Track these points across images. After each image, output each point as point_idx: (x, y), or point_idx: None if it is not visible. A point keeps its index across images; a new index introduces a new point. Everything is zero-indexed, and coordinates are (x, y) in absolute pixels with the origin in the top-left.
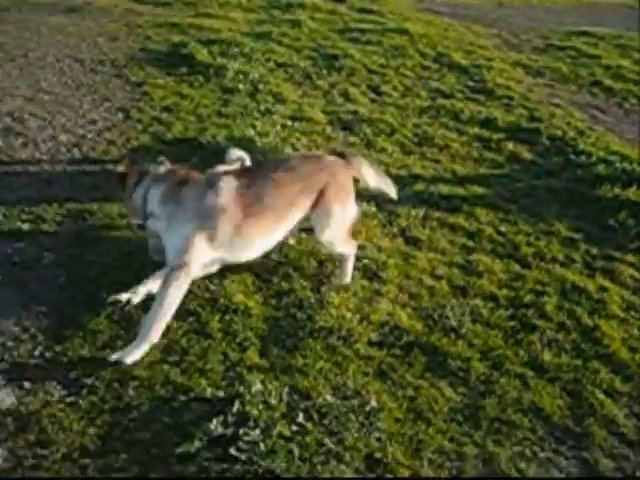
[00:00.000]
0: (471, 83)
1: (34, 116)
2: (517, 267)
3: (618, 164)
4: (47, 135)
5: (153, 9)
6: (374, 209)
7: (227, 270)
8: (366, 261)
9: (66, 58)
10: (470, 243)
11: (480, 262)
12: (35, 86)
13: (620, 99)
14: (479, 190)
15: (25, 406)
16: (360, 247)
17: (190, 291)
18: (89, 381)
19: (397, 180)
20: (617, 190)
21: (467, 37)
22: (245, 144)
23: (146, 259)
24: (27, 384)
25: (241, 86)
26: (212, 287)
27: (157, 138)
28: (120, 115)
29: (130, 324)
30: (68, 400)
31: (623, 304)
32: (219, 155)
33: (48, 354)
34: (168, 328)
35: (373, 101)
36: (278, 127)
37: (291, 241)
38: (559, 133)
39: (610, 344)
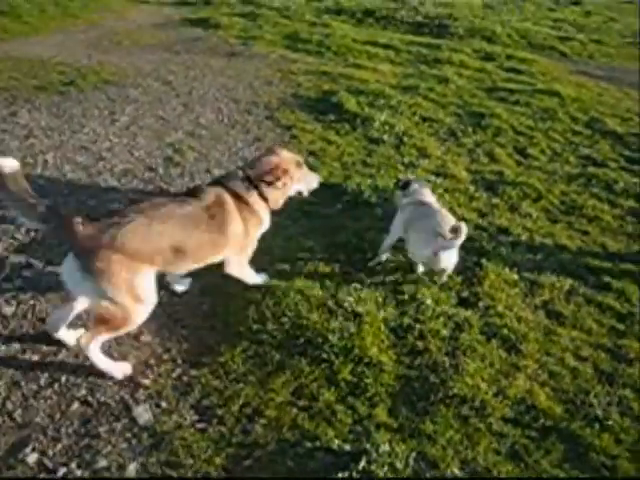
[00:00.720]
0: (627, 152)
1: (192, 149)
2: None
3: None
4: (202, 168)
5: (305, 57)
6: (515, 277)
7: (363, 322)
8: (505, 331)
9: (224, 98)
10: (620, 326)
11: (631, 348)
12: (195, 122)
13: None
14: (632, 268)
15: (160, 425)
16: (499, 315)
17: (325, 338)
18: (220, 412)
19: (541, 249)
20: None
21: (624, 103)
22: (388, 195)
23: (284, 298)
24: (164, 403)
25: (386, 137)
26: (346, 335)
27: None
28: None
29: (263, 361)
30: (199, 426)
31: None
32: (361, 203)
33: (185, 378)
34: (301, 371)
35: (519, 163)
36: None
37: (428, 301)
38: None
39: None
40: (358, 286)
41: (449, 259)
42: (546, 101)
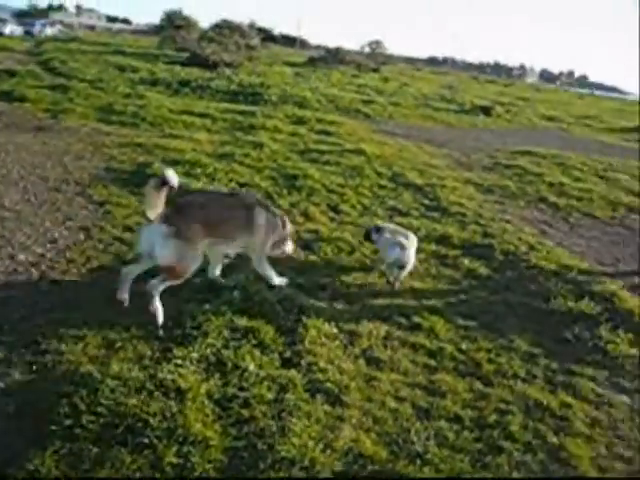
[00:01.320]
0: (426, 201)
1: None
2: (480, 385)
3: (569, 277)
4: (5, 254)
5: (119, 129)
6: (335, 330)
7: (186, 399)
8: (328, 385)
9: (30, 176)
10: (432, 362)
11: (443, 382)
12: None
13: (565, 214)
14: (439, 307)
15: None
16: (322, 370)
17: (146, 422)
18: None
19: (357, 299)
20: (570, 303)
21: (420, 157)
22: (206, 264)
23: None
24: None
25: None
26: (168, 416)
27: (118, 258)
28: (81, 234)
29: (78, 458)
30: None
31: (587, 420)
32: None
33: None
34: (122, 462)
35: (332, 220)
36: None
37: (251, 367)
38: (512, 248)
39: (578, 465)
40: (179, 362)
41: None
42: (354, 159)
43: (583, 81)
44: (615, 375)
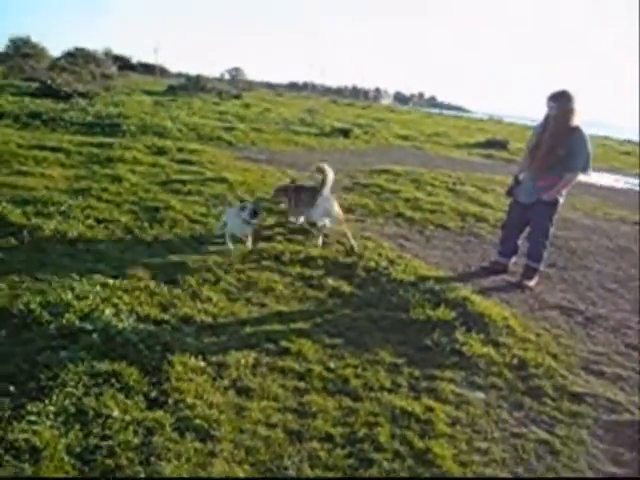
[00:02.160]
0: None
1: None
2: (349, 401)
3: (427, 287)
4: None
5: None
6: (202, 363)
7: (42, 457)
8: (198, 421)
9: None
10: (301, 384)
11: (313, 403)
12: None
13: (421, 227)
14: (306, 329)
15: None
16: (190, 407)
17: None
18: None
19: (224, 329)
20: (429, 312)
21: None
22: (61, 309)
23: None
24: None
25: (59, 247)
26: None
27: None
28: None
29: None
30: None
31: (449, 420)
32: (31, 323)
33: None
34: None
35: (196, 250)
36: (98, 287)
37: (115, 413)
38: (373, 264)
39: (442, 464)
40: (34, 418)
41: None
42: (216, 187)
43: (433, 101)
44: (471, 374)
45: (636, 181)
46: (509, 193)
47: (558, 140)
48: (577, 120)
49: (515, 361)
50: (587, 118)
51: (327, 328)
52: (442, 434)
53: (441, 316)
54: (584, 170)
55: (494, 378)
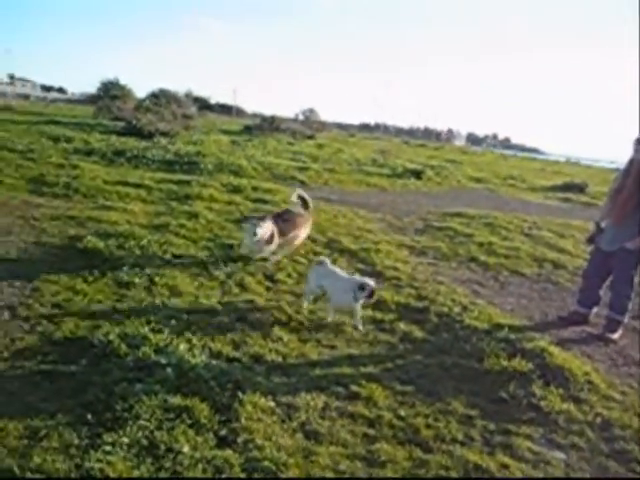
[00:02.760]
0: (361, 266)
1: None
2: (419, 452)
3: (501, 336)
4: None
5: (51, 201)
6: (272, 403)
7: None
8: (266, 463)
9: None
10: (371, 431)
11: (382, 451)
12: None
13: (495, 272)
14: (376, 374)
15: None
16: (258, 448)
17: None
18: None
19: (294, 370)
20: (504, 362)
21: (355, 222)
22: (138, 341)
23: None
24: None
25: (137, 280)
26: None
27: (45, 338)
28: (6, 313)
29: None
30: None
31: None
32: (110, 354)
33: None
34: None
35: (268, 289)
36: (173, 321)
37: (185, 449)
38: (445, 310)
39: None
40: (108, 448)
41: None
42: None
43: (507, 143)
44: (550, 431)
45: None
46: (590, 240)
47: None
48: None
49: (598, 420)
50: None
51: (398, 374)
52: None
53: (517, 367)
54: None
55: (575, 437)
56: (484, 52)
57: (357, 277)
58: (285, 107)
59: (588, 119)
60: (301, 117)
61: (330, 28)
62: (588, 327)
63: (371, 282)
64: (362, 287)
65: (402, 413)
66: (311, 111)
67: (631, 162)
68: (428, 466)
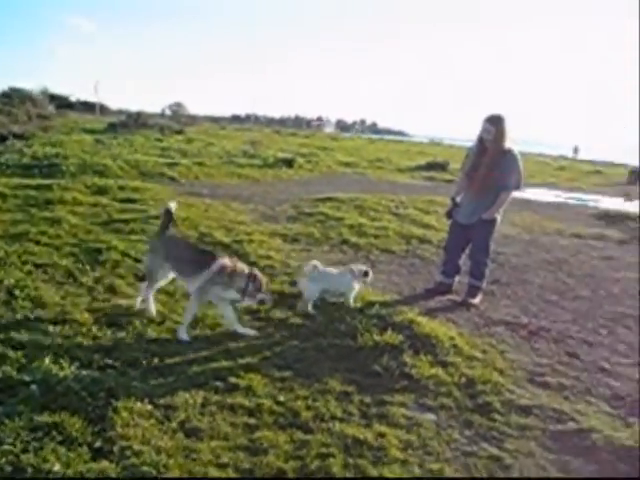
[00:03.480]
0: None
1: None
2: (300, 434)
3: (374, 312)
4: None
5: None
6: (149, 407)
7: None
8: (145, 468)
9: None
10: (252, 420)
11: (263, 438)
12: None
13: (366, 252)
14: (254, 363)
15: None
16: (136, 454)
17: None
18: None
19: (171, 370)
20: (376, 337)
21: (227, 215)
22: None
23: None
24: None
25: None
26: None
27: None
28: None
29: None
30: None
31: (401, 445)
32: None
33: None
34: None
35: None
36: (38, 335)
37: (56, 467)
38: None
39: None
40: None
41: None
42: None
43: (374, 128)
44: (421, 396)
45: (571, 195)
46: (448, 215)
47: (495, 162)
48: (509, 141)
49: (463, 380)
50: (521, 136)
51: (275, 361)
52: (395, 459)
53: (389, 340)
54: (518, 188)
55: (444, 398)
56: (351, 37)
57: (352, 266)
58: (152, 102)
59: (448, 101)
60: (168, 112)
61: (202, 25)
62: (452, 296)
63: (363, 266)
64: (366, 273)
65: (281, 398)
66: (179, 105)
67: (480, 140)
68: (309, 446)
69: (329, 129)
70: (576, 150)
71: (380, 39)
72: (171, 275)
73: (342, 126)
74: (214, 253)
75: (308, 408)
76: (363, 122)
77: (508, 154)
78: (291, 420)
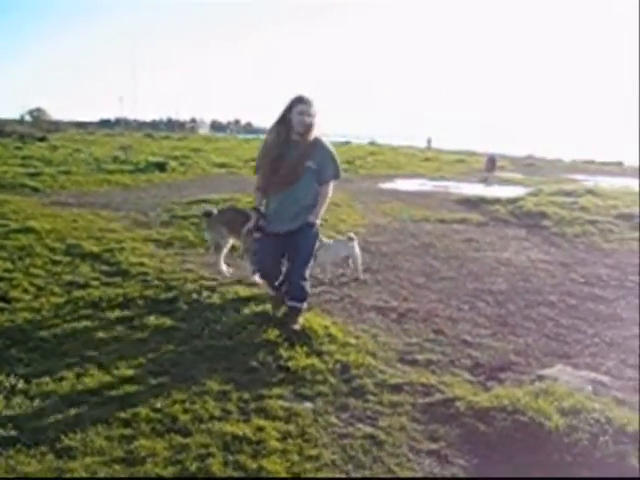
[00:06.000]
0: (105, 267)
1: None
2: (179, 438)
3: (249, 310)
4: None
5: None
6: (13, 433)
7: None
8: None
9: None
10: (128, 431)
11: (140, 448)
12: None
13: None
14: (128, 373)
15: None
16: None
17: None
18: None
19: (38, 390)
20: (252, 333)
21: (97, 224)
22: None
23: None
24: None
25: None
26: None
27: None
28: None
29: None
30: None
31: (280, 435)
32: None
33: None
34: None
35: (2, 310)
36: None
37: None
38: (195, 296)
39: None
40: None
41: None
42: (22, 239)
43: (249, 127)
44: (298, 387)
45: (436, 183)
46: (258, 229)
47: (307, 154)
48: (317, 130)
49: (338, 366)
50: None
51: (151, 368)
52: (274, 450)
53: (264, 336)
54: (337, 177)
55: (320, 386)
56: (224, 42)
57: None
58: (9, 109)
59: (321, 97)
60: (28, 118)
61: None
62: (327, 287)
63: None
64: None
65: (158, 405)
66: (39, 110)
67: (287, 128)
68: (188, 449)
69: (203, 130)
70: (429, 141)
71: (253, 36)
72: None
73: (217, 127)
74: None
75: (186, 411)
76: (238, 122)
77: (319, 143)
78: (169, 425)
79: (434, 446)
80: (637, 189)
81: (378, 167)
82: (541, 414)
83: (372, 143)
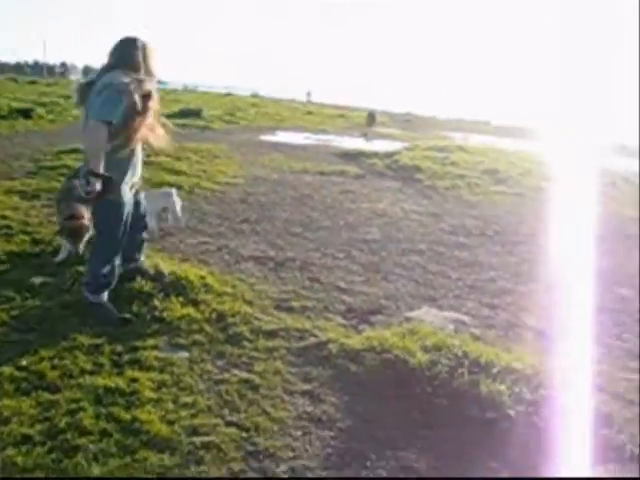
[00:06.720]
0: None
1: None
2: (47, 395)
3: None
4: None
5: None
6: None
7: None
8: None
9: None
10: None
11: (4, 408)
12: None
13: None
14: None
15: None
16: None
17: None
18: None
19: None
20: (126, 286)
21: None
22: None
23: None
24: None
25: None
26: None
27: None
28: None
29: None
30: None
31: (154, 385)
32: None
33: None
34: None
35: None
36: None
37: None
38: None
39: (150, 428)
40: None
41: None
42: None
43: None
44: (174, 337)
45: (317, 137)
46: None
47: None
48: None
49: (214, 315)
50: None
51: (15, 325)
52: (148, 400)
53: (138, 287)
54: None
55: (196, 335)
56: None
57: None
58: None
59: (204, 48)
60: None
61: None
62: (205, 238)
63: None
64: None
65: (24, 363)
66: None
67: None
68: (57, 406)
69: (75, 76)
70: (309, 94)
71: None
72: None
73: (89, 73)
74: None
75: (54, 367)
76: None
77: None
78: (36, 383)
79: (307, 387)
80: (502, 147)
81: (260, 119)
82: (406, 352)
83: (254, 95)
